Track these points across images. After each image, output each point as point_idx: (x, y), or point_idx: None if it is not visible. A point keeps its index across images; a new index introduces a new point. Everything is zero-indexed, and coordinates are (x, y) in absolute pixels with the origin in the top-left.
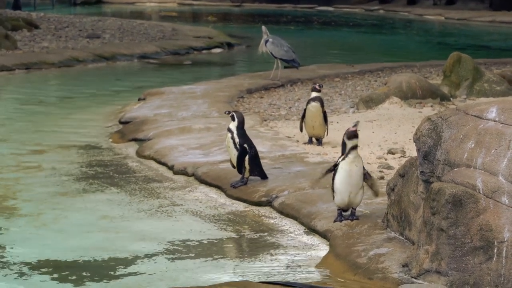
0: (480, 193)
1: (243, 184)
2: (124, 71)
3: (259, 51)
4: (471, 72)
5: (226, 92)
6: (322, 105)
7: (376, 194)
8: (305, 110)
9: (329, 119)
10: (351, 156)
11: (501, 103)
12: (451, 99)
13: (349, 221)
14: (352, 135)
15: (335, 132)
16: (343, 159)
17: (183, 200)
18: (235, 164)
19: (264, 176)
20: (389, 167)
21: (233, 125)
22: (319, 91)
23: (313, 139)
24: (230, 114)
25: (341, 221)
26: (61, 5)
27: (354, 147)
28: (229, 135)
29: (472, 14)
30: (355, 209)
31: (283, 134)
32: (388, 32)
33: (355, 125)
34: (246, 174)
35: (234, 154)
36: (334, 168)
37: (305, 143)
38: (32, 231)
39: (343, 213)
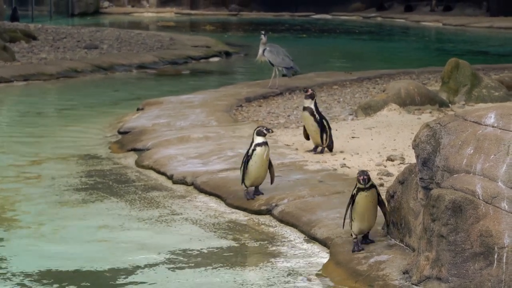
0: (479, 199)
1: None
2: (122, 81)
3: (258, 60)
4: (469, 78)
5: (224, 101)
6: (312, 113)
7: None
8: None
9: None
10: (363, 192)
11: (499, 108)
12: (450, 105)
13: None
14: (360, 179)
15: (334, 140)
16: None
17: (183, 209)
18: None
19: None
20: (389, 174)
21: (262, 140)
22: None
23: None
24: (269, 131)
25: (359, 250)
26: (59, 16)
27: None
28: (266, 149)
29: (470, 20)
30: (369, 232)
31: (282, 142)
32: (386, 39)
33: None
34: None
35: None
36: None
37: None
38: (32, 242)
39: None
